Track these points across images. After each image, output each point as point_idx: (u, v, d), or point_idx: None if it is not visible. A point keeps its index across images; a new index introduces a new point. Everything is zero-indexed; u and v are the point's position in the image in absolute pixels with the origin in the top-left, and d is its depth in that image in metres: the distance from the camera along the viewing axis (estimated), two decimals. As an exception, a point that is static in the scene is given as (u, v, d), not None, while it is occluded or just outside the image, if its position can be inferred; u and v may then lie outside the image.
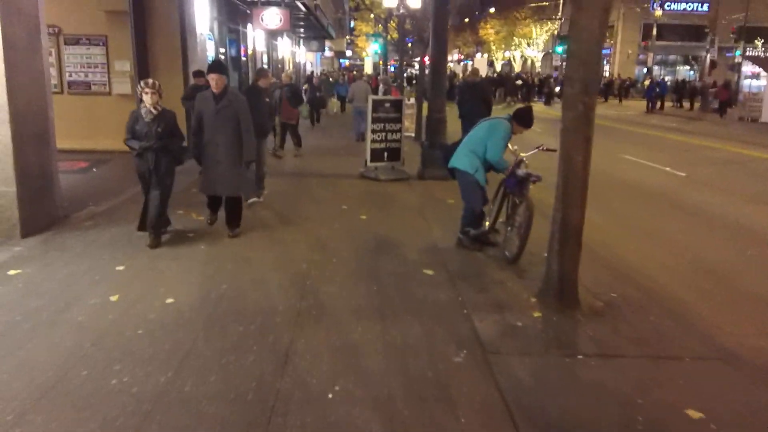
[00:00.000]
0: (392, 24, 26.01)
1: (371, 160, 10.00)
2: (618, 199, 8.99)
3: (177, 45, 11.66)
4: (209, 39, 13.35)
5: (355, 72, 36.49)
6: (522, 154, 5.87)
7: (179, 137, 5.93)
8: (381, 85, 17.86)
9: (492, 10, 55.36)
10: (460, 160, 5.89)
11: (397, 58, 30.87)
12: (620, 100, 35.42)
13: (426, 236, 6.55)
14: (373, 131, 9.94)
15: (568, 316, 4.42)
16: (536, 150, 6.14)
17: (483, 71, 22.38)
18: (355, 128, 14.97)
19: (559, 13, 48.21)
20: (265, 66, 21.35)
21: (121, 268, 5.23)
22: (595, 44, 4.18)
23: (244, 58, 17.86)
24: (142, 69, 11.16)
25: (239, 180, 6.24)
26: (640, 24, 41.32)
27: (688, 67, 44.34)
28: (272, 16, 16.42)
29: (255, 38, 18.59)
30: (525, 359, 3.81)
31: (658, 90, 29.50)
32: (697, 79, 35.91)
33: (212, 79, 5.96)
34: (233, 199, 6.27)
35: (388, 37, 27.59)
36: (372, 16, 33.49)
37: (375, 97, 10.95)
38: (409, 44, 28.55)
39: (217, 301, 4.55)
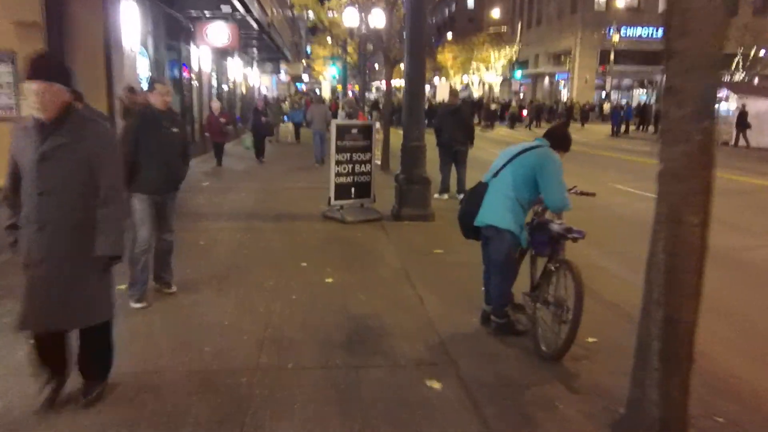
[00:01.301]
0: (351, 47, 24.61)
1: (336, 198, 8.24)
2: (635, 244, 7.45)
3: (100, 62, 9.84)
4: (142, 55, 11.42)
5: (310, 95, 34.83)
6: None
7: None
8: (341, 110, 16.36)
9: (450, 36, 55.15)
10: (498, 214, 4.12)
11: (355, 82, 29.55)
12: (582, 124, 35.11)
13: (416, 310, 4.80)
14: (338, 162, 8.20)
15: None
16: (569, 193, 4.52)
17: (445, 96, 21.44)
18: (315, 151, 14.58)
19: (517, 39, 48.14)
20: (214, 89, 19.36)
21: None
22: (714, 34, 2.57)
23: (188, 79, 15.90)
24: (57, 90, 9.22)
25: (93, 293, 3.09)
26: (597, 50, 41.38)
27: (643, 91, 44.52)
28: (218, 33, 14.60)
29: (201, 57, 16.66)
30: None
31: (623, 114, 29.24)
32: (652, 101, 36.05)
33: (30, 92, 2.87)
34: (89, 331, 3.17)
35: (347, 59, 26.16)
36: (329, 39, 32.11)
37: (340, 122, 9.24)
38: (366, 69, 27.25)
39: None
